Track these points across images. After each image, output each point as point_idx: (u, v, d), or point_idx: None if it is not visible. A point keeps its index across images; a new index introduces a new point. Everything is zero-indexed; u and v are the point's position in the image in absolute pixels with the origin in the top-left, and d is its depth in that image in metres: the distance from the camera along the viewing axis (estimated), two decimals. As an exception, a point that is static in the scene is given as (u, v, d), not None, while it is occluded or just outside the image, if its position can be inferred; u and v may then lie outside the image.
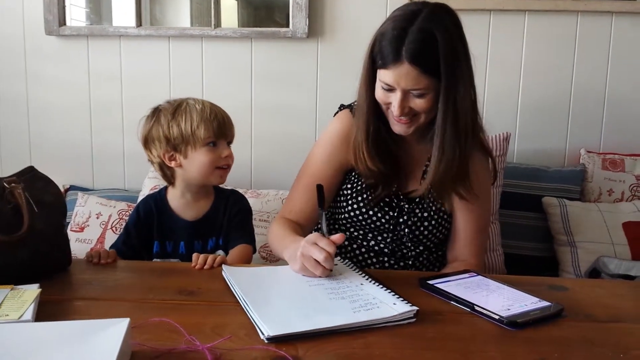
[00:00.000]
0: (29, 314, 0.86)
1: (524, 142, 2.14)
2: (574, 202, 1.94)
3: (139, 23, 2.17)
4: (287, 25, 2.10)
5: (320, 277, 1.05)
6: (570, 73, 2.09)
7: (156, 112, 1.37)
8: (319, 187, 1.18)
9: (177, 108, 1.34)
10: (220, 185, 1.43)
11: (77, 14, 2.22)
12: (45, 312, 0.89)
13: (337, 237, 1.05)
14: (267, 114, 2.18)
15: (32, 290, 0.94)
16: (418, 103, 1.19)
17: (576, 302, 1.00)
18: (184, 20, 2.29)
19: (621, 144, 2.10)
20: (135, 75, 2.20)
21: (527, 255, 1.98)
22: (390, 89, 1.19)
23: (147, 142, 1.37)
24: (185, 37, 2.15)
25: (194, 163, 1.33)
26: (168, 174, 1.39)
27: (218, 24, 2.15)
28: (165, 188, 1.44)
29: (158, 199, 1.42)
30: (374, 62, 1.21)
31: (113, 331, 0.73)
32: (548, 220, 1.94)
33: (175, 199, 1.40)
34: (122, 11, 2.21)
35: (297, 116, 2.16)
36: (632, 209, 1.90)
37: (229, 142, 1.38)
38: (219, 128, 1.33)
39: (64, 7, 2.17)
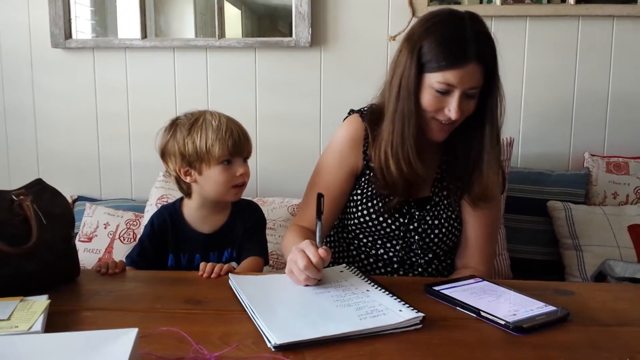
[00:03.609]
0: (38, 325, 0.86)
1: (527, 146, 2.14)
2: (578, 206, 1.94)
3: (144, 35, 2.19)
4: (290, 35, 2.12)
5: (307, 285, 1.04)
6: (573, 77, 2.10)
7: (173, 125, 1.35)
8: (319, 197, 1.17)
9: (193, 123, 1.31)
10: None
11: (82, 26, 2.25)
12: (54, 323, 0.90)
13: (322, 252, 1.03)
14: (271, 122, 2.19)
15: (41, 302, 0.94)
16: (471, 105, 1.22)
17: (582, 306, 1.00)
18: (189, 32, 2.31)
19: (625, 147, 2.10)
20: (140, 86, 2.22)
21: (533, 259, 1.98)
22: (446, 92, 1.18)
23: (164, 154, 1.36)
24: (189, 47, 2.18)
25: (209, 181, 1.31)
26: (184, 188, 1.37)
27: (222, 35, 2.16)
28: (181, 199, 1.41)
29: (172, 210, 1.39)
30: (422, 68, 1.19)
31: (122, 341, 0.74)
32: (553, 224, 1.94)
33: (191, 211, 1.38)
34: (127, 23, 2.23)
35: (301, 124, 2.18)
36: (637, 212, 1.90)
37: (246, 158, 1.36)
38: (234, 146, 1.30)
39: (69, 20, 2.20)
